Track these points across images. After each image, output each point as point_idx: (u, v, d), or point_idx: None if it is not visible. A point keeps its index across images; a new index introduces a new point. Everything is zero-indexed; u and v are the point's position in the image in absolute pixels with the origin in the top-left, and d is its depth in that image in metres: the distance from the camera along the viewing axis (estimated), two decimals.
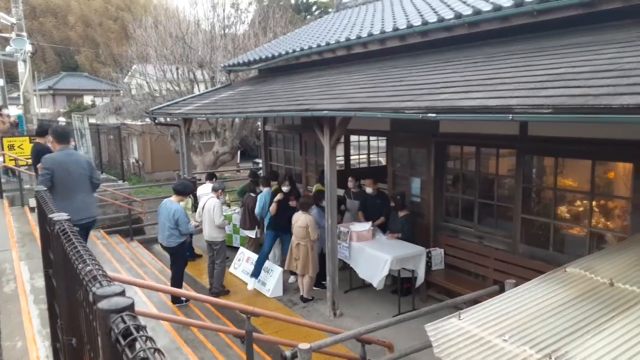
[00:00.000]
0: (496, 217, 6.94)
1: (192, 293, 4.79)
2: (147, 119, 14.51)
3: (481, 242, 6.97)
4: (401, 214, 7.63)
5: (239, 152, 21.51)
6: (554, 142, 5.84)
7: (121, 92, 21.42)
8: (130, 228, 10.92)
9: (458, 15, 6.52)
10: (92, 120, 23.26)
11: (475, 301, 4.04)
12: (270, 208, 8.06)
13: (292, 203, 7.85)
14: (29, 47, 11.73)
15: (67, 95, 34.51)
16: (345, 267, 7.88)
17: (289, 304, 7.44)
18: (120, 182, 13.85)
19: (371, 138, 11.86)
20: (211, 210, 7.56)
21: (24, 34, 11.68)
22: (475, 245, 7.02)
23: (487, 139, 6.62)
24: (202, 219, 7.77)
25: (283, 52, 9.87)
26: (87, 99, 33.26)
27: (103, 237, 10.13)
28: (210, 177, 9.62)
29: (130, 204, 11.45)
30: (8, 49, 11.96)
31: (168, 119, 12.44)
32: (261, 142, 13.14)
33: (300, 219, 7.24)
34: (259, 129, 14.02)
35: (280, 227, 7.98)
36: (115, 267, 7.68)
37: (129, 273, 7.56)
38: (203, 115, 9.90)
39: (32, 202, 9.11)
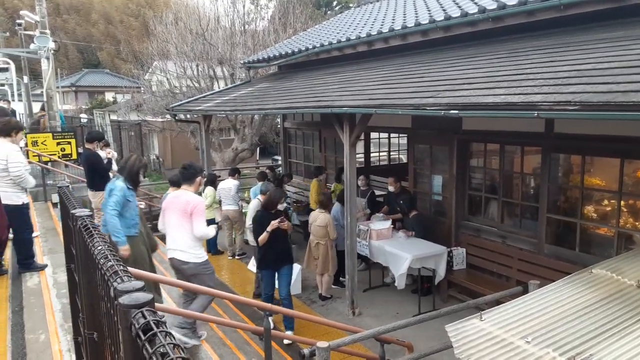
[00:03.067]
0: (520, 217, 6.80)
1: (212, 290, 4.80)
2: (168, 116, 14.62)
3: (504, 242, 6.84)
4: (410, 214, 7.61)
5: (258, 149, 21.59)
6: (580, 140, 5.69)
7: (142, 88, 21.68)
8: (151, 224, 11.01)
9: (482, 10, 6.40)
10: (114, 117, 23.57)
11: (497, 302, 3.97)
12: (259, 238, 5.96)
13: (285, 225, 5.96)
14: (52, 45, 11.92)
15: (89, 92, 35.09)
16: (366, 268, 7.86)
17: (307, 302, 7.43)
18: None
19: (392, 135, 11.77)
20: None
21: (48, 31, 11.87)
22: (498, 244, 6.90)
23: (511, 137, 6.49)
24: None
25: (303, 49, 9.85)
26: (109, 96, 33.77)
27: None
28: (233, 172, 9.61)
29: (150, 200, 11.58)
30: (32, 46, 12.18)
31: (188, 116, 12.53)
32: (280, 139, 13.16)
33: (319, 218, 7.09)
34: (279, 126, 14.04)
35: (275, 260, 6.11)
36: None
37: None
38: (222, 112, 9.94)
39: (55, 198, 9.27)
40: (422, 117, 6.40)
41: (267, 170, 10.65)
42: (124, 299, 1.11)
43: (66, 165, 11.64)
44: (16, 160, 5.13)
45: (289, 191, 10.80)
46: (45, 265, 5.79)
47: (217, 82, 16.50)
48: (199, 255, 4.86)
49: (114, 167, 6.97)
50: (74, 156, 11.17)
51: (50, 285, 5.41)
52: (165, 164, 24.21)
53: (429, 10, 7.93)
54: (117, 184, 4.74)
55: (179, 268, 4.90)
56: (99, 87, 34.82)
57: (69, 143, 11.15)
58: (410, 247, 6.98)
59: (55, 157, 10.88)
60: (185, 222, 4.73)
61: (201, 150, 11.37)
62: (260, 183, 8.47)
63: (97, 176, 6.57)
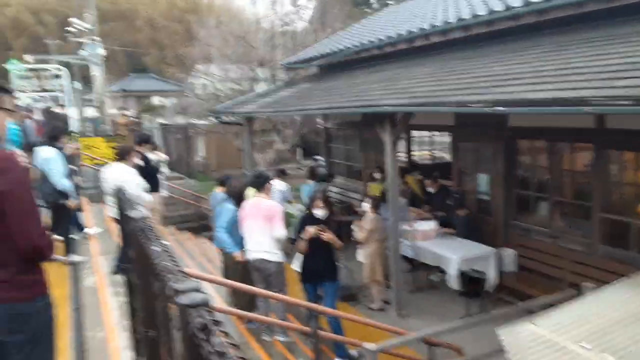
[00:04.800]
0: (572, 216, 6.56)
1: (258, 289, 4.90)
2: (212, 118, 14.97)
3: (556, 243, 6.61)
4: (461, 213, 7.42)
5: (299, 149, 21.74)
6: (634, 135, 5.43)
7: (186, 92, 22.27)
8: (198, 223, 11.34)
9: (526, 3, 6.21)
10: (161, 120, 24.35)
11: (550, 305, 3.85)
12: (299, 246, 5.54)
13: (327, 237, 5.32)
14: (101, 52, 12.46)
15: (137, 96, 36.34)
16: (411, 269, 7.77)
17: (353, 303, 7.41)
18: (187, 179, 14.42)
19: (435, 133, 11.60)
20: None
21: (97, 38, 12.41)
22: (549, 245, 6.67)
23: (560, 133, 6.26)
24: None
25: (342, 48, 9.85)
26: (156, 99, 34.85)
27: (174, 233, 10.57)
28: (280, 173, 9.57)
29: (197, 200, 11.88)
30: (82, 53, 12.76)
31: (231, 118, 12.79)
32: (321, 139, 13.21)
33: (366, 220, 6.93)
34: (319, 126, 14.10)
35: (318, 273, 5.58)
36: (187, 262, 7.99)
37: (199, 268, 7.82)
38: (265, 114, 10.09)
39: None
40: (466, 114, 6.27)
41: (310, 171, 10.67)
42: (181, 299, 1.16)
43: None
44: (129, 181, 5.31)
45: (331, 191, 10.82)
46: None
47: (259, 84, 16.74)
48: (280, 255, 5.43)
49: (166, 170, 7.23)
50: None
51: (107, 284, 5.66)
52: (211, 166, 24.77)
53: (470, 5, 7.76)
54: (227, 206, 5.71)
55: (262, 267, 5.40)
56: (146, 91, 35.99)
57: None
58: (457, 248, 6.86)
59: (107, 160, 11.36)
60: (267, 226, 5.27)
61: (244, 151, 11.57)
62: (311, 182, 8.37)
63: (147, 178, 6.80)
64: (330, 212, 5.67)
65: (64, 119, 10.73)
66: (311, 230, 5.33)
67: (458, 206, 7.61)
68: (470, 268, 6.59)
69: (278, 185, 7.87)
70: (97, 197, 10.59)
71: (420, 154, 12.66)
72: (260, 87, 16.23)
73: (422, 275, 7.71)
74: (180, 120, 21.91)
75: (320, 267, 5.48)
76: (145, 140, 7.28)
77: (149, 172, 6.86)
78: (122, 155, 5.65)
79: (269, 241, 5.31)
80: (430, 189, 8.11)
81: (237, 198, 5.77)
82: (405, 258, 7.40)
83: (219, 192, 6.63)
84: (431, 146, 12.40)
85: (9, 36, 48.80)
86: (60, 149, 5.99)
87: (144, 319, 2.19)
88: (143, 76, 38.20)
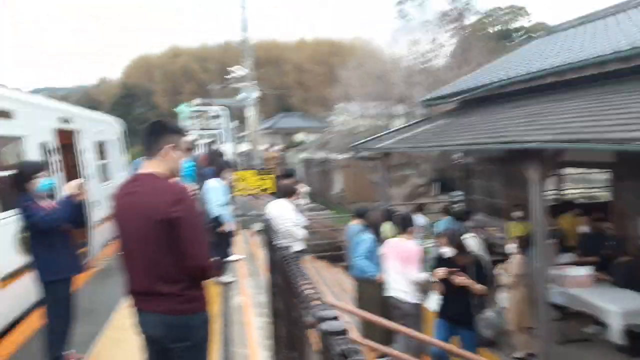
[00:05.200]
0: None
1: (390, 323, 4.90)
2: (350, 153, 15.54)
3: None
4: (622, 259, 6.58)
5: (436, 184, 21.33)
6: None
7: (327, 128, 23.44)
8: (333, 255, 11.69)
9: None
10: (304, 155, 25.92)
11: None
12: (435, 287, 5.33)
13: (461, 280, 4.92)
14: (256, 94, 13.84)
15: (284, 133, 39.28)
16: (561, 317, 7.05)
17: (493, 350, 6.91)
18: (325, 211, 15.02)
19: (592, 169, 10.56)
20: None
21: (254, 82, 13.84)
22: None
23: None
24: None
25: (484, 83, 9.59)
26: (300, 136, 37.27)
27: (311, 261, 11.02)
28: (418, 209, 9.51)
29: (335, 231, 12.30)
30: (240, 96, 14.31)
31: (368, 153, 13.12)
32: (460, 174, 12.84)
33: (513, 263, 6.48)
34: (457, 161, 13.75)
35: (453, 318, 5.18)
36: (322, 289, 8.29)
37: (333, 297, 8.05)
38: (401, 149, 10.19)
39: (256, 226, 10.49)
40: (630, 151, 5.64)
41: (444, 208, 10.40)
42: (323, 325, 1.28)
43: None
44: (287, 217, 5.75)
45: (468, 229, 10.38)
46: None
47: (396, 120, 16.99)
48: (416, 297, 5.50)
49: (304, 202, 7.70)
50: (273, 190, 12.62)
51: (251, 304, 6.14)
52: (348, 198, 25.49)
53: (625, 36, 7.04)
54: (365, 236, 6.11)
55: (399, 306, 5.54)
56: (292, 128, 38.78)
57: (269, 179, 12.66)
58: (619, 298, 6.08)
59: (256, 191, 12.42)
60: (405, 267, 5.41)
61: (380, 185, 11.75)
62: (446, 218, 8.29)
63: None
64: (462, 252, 5.19)
65: (222, 154, 12.06)
66: (440, 272, 5.02)
67: (617, 251, 6.78)
68: (635, 322, 5.78)
69: (418, 219, 7.86)
70: (246, 224, 11.60)
71: (574, 192, 11.57)
72: (398, 123, 16.44)
73: (574, 325, 6.92)
74: (321, 154, 23.09)
75: (455, 311, 5.09)
76: (289, 174, 7.87)
77: None
78: (285, 193, 6.08)
79: (406, 282, 5.44)
80: (585, 231, 7.36)
81: (375, 230, 6.06)
82: (555, 306, 6.74)
83: (355, 224, 6.85)
84: (586, 184, 11.25)
85: (179, 82, 56.61)
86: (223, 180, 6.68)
87: (286, 341, 2.38)
88: (290, 115, 41.28)
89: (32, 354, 4.39)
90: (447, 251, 5.20)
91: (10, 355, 4.43)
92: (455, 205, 12.50)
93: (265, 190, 12.88)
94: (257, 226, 9.67)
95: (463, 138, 7.47)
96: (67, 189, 3.85)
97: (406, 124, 13.35)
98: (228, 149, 18.84)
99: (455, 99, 11.05)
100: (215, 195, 6.41)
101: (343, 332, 1.23)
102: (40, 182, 3.79)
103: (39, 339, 4.59)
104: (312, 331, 1.52)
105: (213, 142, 17.76)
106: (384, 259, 5.69)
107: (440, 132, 9.11)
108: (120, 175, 10.49)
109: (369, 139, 12.05)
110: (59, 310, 3.94)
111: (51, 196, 4.11)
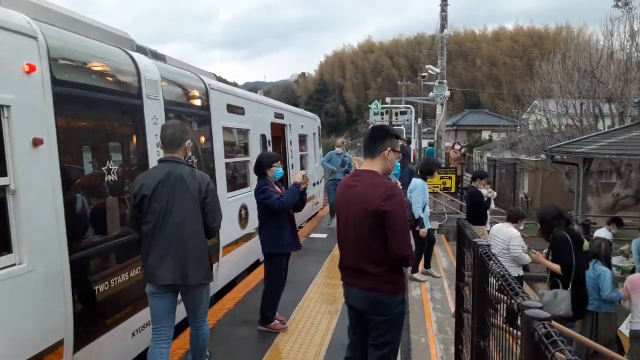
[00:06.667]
0: None
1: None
2: (542, 156, 14.46)
3: None
4: None
5: None
6: None
7: (518, 127, 22.02)
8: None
9: None
10: (488, 155, 24.81)
11: None
12: None
13: None
14: (447, 93, 13.82)
15: (468, 130, 38.00)
16: None
17: None
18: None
19: None
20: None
21: (445, 81, 13.84)
22: None
23: None
24: None
25: None
26: (485, 134, 35.65)
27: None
28: (612, 222, 8.54)
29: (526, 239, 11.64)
30: (430, 94, 14.43)
31: (565, 157, 12.09)
32: None
33: None
34: None
35: None
36: None
37: None
38: (607, 156, 9.22)
39: (434, 224, 10.57)
40: None
41: None
42: (528, 312, 1.53)
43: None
44: (516, 244, 5.81)
45: None
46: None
47: (603, 121, 15.18)
48: None
49: (492, 205, 7.58)
50: (453, 189, 12.57)
51: (428, 299, 6.44)
52: (533, 204, 23.66)
53: None
54: (603, 269, 5.76)
55: None
56: (477, 125, 37.32)
57: (450, 178, 12.65)
58: None
59: (437, 190, 12.54)
60: None
61: (576, 193, 10.80)
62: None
63: (476, 211, 7.28)
64: None
65: (407, 151, 12.44)
66: None
67: None
68: None
69: (603, 233, 7.18)
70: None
71: None
72: (605, 125, 14.71)
73: None
74: (507, 155, 21.84)
75: None
76: (480, 175, 7.81)
77: (481, 206, 7.30)
78: (513, 218, 6.08)
79: None
80: None
81: (604, 260, 5.77)
82: None
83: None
84: None
85: (369, 77, 58.81)
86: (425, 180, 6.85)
87: (476, 329, 2.63)
88: (476, 111, 39.68)
89: (246, 310, 5.37)
90: None
91: (228, 310, 5.47)
92: None
93: (446, 189, 12.89)
94: (435, 224, 9.76)
95: None
96: (295, 178, 4.63)
97: (615, 128, 11.92)
98: (412, 146, 19.19)
99: None
100: (417, 196, 6.63)
101: (547, 319, 1.46)
102: (276, 170, 4.64)
103: (250, 299, 5.60)
104: (519, 318, 1.71)
105: (407, 140, 18.28)
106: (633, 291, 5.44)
107: None
108: (313, 166, 11.69)
109: (568, 142, 11.12)
110: (274, 279, 4.73)
111: (281, 182, 4.95)
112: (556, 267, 4.48)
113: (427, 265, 7.31)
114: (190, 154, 3.71)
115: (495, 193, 8.24)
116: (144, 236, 3.25)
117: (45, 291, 3.04)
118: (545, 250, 5.07)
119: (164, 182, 3.20)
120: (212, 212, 3.37)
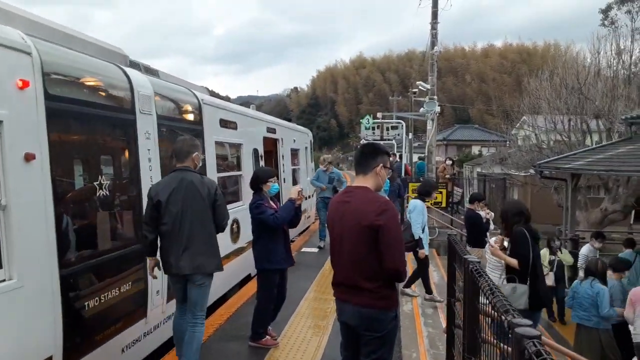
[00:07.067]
0: None
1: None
2: (531, 171, 14.59)
3: None
4: None
5: (633, 212, 18.66)
6: None
7: (507, 143, 22.23)
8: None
9: None
10: (478, 169, 25.01)
11: None
12: None
13: None
14: (437, 109, 13.96)
15: (458, 145, 38.31)
16: None
17: None
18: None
19: None
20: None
21: (435, 97, 14.00)
22: None
23: None
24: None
25: None
26: (475, 149, 35.95)
27: None
28: (596, 236, 8.71)
29: None
30: (421, 110, 14.57)
31: (554, 172, 12.22)
32: None
33: None
34: None
35: None
36: None
37: None
38: (594, 171, 9.35)
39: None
40: None
41: None
42: (519, 330, 1.55)
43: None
44: None
45: None
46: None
47: (590, 137, 15.39)
48: None
49: (491, 226, 7.60)
50: (444, 204, 12.63)
51: (420, 313, 6.43)
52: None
53: None
54: (601, 287, 5.81)
55: None
56: (466, 140, 37.65)
57: (440, 193, 12.71)
58: None
59: (428, 204, 12.57)
60: None
61: (565, 208, 10.89)
62: (627, 251, 7.50)
63: (475, 233, 7.32)
64: None
65: (398, 167, 12.58)
66: None
67: None
68: None
69: (586, 250, 7.25)
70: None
71: None
72: (593, 141, 14.92)
73: None
74: (497, 170, 22.00)
75: None
76: (477, 198, 7.82)
77: (480, 228, 7.32)
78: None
79: None
80: None
81: (600, 278, 5.82)
82: None
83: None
84: None
85: (361, 92, 59.30)
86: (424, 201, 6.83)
87: (467, 345, 2.65)
88: (466, 127, 40.07)
89: (237, 325, 5.34)
90: None
91: (219, 325, 5.41)
92: None
93: (437, 204, 12.94)
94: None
95: None
96: (290, 194, 4.63)
97: (603, 144, 12.09)
98: (404, 160, 19.30)
99: None
100: (417, 217, 6.56)
101: (536, 337, 1.48)
102: (271, 185, 4.64)
103: (241, 314, 5.56)
104: (510, 335, 1.73)
105: (398, 154, 18.33)
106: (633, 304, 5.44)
107: None
108: (305, 181, 11.69)
109: (557, 157, 11.25)
110: (266, 294, 4.71)
111: (277, 197, 4.95)
112: (514, 262, 4.49)
113: (429, 290, 7.00)
114: (199, 164, 4.05)
115: (492, 214, 8.27)
116: (163, 235, 3.77)
117: (35, 307, 3.01)
118: (499, 244, 5.04)
119: (177, 188, 3.73)
120: (221, 212, 3.94)
